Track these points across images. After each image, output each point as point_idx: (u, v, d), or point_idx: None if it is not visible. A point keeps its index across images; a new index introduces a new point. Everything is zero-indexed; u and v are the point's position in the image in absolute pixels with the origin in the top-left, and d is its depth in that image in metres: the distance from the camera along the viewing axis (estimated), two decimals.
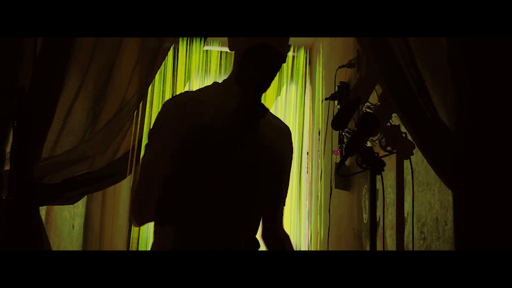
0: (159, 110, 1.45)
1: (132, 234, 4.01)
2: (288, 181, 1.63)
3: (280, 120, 1.63)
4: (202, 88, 1.56)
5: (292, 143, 1.63)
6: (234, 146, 1.43)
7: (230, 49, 1.50)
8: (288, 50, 1.50)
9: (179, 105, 1.43)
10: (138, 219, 1.43)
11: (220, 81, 1.55)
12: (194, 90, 1.57)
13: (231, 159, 1.42)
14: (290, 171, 1.64)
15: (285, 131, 1.60)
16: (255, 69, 1.43)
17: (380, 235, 2.05)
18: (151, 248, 1.47)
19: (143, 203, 1.39)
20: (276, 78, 4.16)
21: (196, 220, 1.39)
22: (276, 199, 1.57)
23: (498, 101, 1.42)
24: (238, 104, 1.44)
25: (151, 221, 1.44)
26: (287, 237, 1.60)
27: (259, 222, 1.53)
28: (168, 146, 1.38)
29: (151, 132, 1.44)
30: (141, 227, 4.01)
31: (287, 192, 1.62)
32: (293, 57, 4.51)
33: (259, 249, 1.51)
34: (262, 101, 1.51)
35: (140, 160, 1.51)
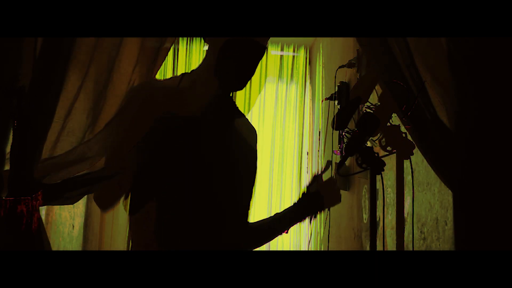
0: (124, 95, 1.38)
1: None
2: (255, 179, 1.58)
3: (247, 119, 1.59)
4: (170, 78, 1.49)
5: (257, 143, 1.58)
6: (214, 143, 1.41)
7: (205, 41, 1.43)
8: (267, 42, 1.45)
9: (146, 92, 1.38)
10: (102, 204, 1.41)
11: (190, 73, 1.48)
12: (162, 79, 1.50)
13: (212, 155, 1.39)
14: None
15: (254, 131, 1.58)
16: (237, 63, 1.37)
17: (380, 235, 2.05)
18: (131, 249, 1.43)
19: (106, 188, 1.36)
20: (258, 74, 4.14)
21: (176, 217, 1.36)
22: (249, 197, 1.53)
23: (498, 101, 1.42)
24: (214, 99, 1.39)
25: (115, 205, 1.41)
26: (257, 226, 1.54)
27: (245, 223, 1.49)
28: (132, 132, 1.34)
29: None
30: None
31: (254, 190, 1.58)
32: (293, 57, 4.51)
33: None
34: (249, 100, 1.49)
35: None
